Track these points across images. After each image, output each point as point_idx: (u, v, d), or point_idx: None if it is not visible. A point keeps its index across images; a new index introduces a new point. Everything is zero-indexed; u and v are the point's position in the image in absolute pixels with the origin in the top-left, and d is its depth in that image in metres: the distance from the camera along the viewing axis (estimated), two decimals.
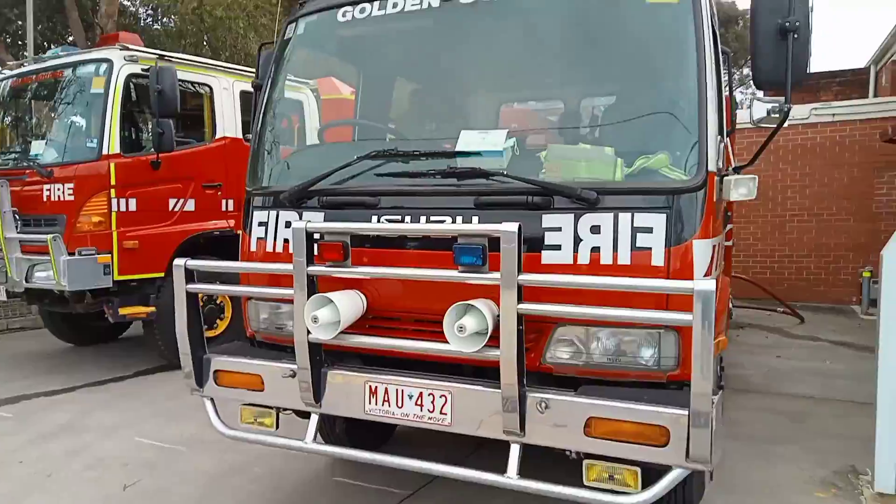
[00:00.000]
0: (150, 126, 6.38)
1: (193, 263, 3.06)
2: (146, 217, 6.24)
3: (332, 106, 8.08)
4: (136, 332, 8.20)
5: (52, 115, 6.54)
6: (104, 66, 6.06)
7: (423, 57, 3.22)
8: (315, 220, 2.95)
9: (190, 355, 3.08)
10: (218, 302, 6.83)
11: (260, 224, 3.21)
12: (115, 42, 6.41)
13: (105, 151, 5.91)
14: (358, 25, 3.19)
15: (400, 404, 2.68)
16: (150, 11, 15.56)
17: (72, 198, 5.87)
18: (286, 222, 3.08)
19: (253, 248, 3.22)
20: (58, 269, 5.62)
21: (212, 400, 3.14)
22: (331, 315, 2.64)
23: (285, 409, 3.05)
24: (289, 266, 2.78)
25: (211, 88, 6.82)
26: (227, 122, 6.92)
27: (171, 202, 6.46)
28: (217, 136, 6.83)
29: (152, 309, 6.25)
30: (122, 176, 6.01)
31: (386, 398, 2.70)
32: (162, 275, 6.32)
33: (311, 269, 2.72)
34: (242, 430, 3.12)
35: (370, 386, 2.73)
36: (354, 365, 2.87)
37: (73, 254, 5.71)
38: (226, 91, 6.93)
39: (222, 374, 3.09)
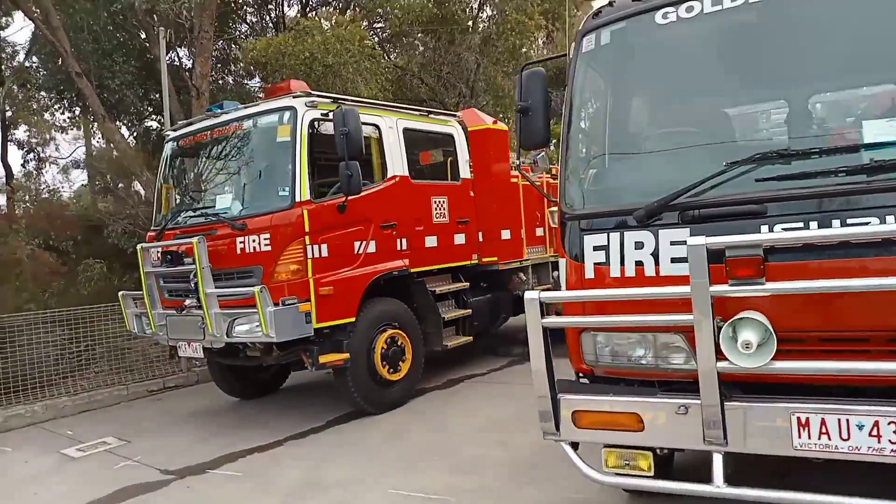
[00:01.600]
0: (327, 170, 6.32)
1: (548, 296, 2.82)
2: (336, 262, 6.14)
3: (479, 137, 8.00)
4: (295, 382, 8.12)
5: (233, 167, 6.57)
6: (288, 114, 6.05)
7: (773, 50, 2.95)
8: (678, 237, 2.69)
9: (549, 397, 2.82)
10: (399, 343, 6.64)
11: (596, 248, 2.96)
12: (286, 91, 6.43)
13: (297, 199, 5.85)
14: (684, 25, 2.96)
15: (845, 436, 2.34)
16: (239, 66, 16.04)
17: (268, 248, 5.82)
18: (635, 243, 2.83)
19: (589, 274, 2.97)
20: (265, 321, 5.52)
21: (572, 445, 2.86)
22: (757, 339, 2.35)
23: (664, 450, 2.75)
24: (681, 289, 2.51)
25: (378, 128, 6.76)
26: (396, 160, 6.83)
27: (356, 245, 6.36)
28: (388, 176, 6.74)
29: (347, 355, 6.10)
30: (315, 222, 5.94)
31: (824, 431, 2.37)
32: (353, 320, 6.19)
33: (718, 289, 2.44)
34: (610, 474, 2.82)
35: (799, 418, 2.40)
36: (764, 396, 2.55)
37: (277, 304, 5.61)
38: (391, 130, 6.86)
39: (583, 415, 2.82)
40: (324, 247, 6.03)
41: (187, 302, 6.15)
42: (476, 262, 7.90)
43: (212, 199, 6.55)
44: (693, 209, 2.70)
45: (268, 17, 17.08)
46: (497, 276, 8.29)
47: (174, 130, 7.40)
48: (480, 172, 7.97)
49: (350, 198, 6.09)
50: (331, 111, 6.15)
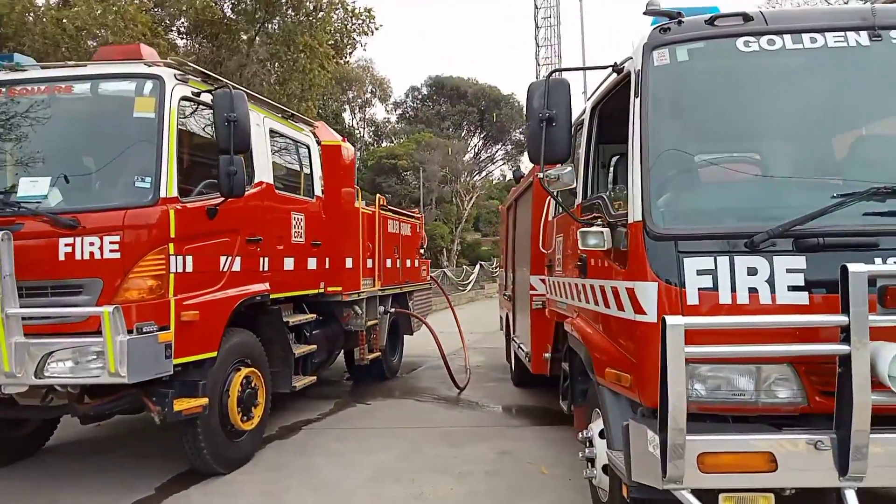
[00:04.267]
0: (190, 164, 5.01)
1: (696, 321, 2.50)
2: (200, 280, 4.83)
3: (330, 153, 7.29)
4: (59, 440, 6.12)
5: (49, 143, 4.77)
6: (151, 84, 4.66)
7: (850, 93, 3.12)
8: (795, 264, 2.65)
9: (682, 442, 2.46)
10: (253, 385, 5.46)
11: (701, 272, 2.75)
12: (136, 56, 4.99)
13: (163, 194, 4.48)
14: (769, 56, 3.00)
15: None
16: None
17: (116, 255, 4.31)
18: (748, 269, 2.71)
19: (692, 300, 2.73)
20: (114, 355, 4.01)
21: (692, 492, 2.53)
22: None
23: (791, 491, 2.59)
24: (835, 318, 2.43)
25: None
26: (262, 164, 5.75)
27: (222, 260, 5.11)
28: (255, 181, 5.62)
29: (206, 401, 4.77)
30: (182, 226, 4.61)
31: None
32: (214, 354, 4.91)
33: (878, 318, 2.42)
34: None
35: None
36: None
37: (131, 331, 4.15)
38: (258, 128, 5.78)
39: (710, 458, 2.52)
40: (188, 259, 4.70)
41: None
42: (321, 290, 7.03)
43: (8, 182, 4.68)
44: (808, 237, 2.68)
45: None
46: (334, 308, 7.50)
47: None
48: (330, 192, 7.21)
49: (223, 201, 4.89)
50: (203, 91, 4.96)
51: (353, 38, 17.59)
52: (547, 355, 6.07)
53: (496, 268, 34.08)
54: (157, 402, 4.53)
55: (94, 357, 4.14)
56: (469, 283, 27.01)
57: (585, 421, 4.13)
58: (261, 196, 5.66)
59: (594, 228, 3.30)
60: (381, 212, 8.74)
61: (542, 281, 6.18)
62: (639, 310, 2.90)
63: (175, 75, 4.78)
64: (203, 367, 4.83)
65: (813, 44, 2.99)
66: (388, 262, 8.95)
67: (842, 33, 2.95)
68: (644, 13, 3.32)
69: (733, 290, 2.71)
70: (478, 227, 41.75)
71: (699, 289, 2.74)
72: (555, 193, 3.64)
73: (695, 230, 2.84)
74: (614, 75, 3.63)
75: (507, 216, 9.22)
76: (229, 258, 5.17)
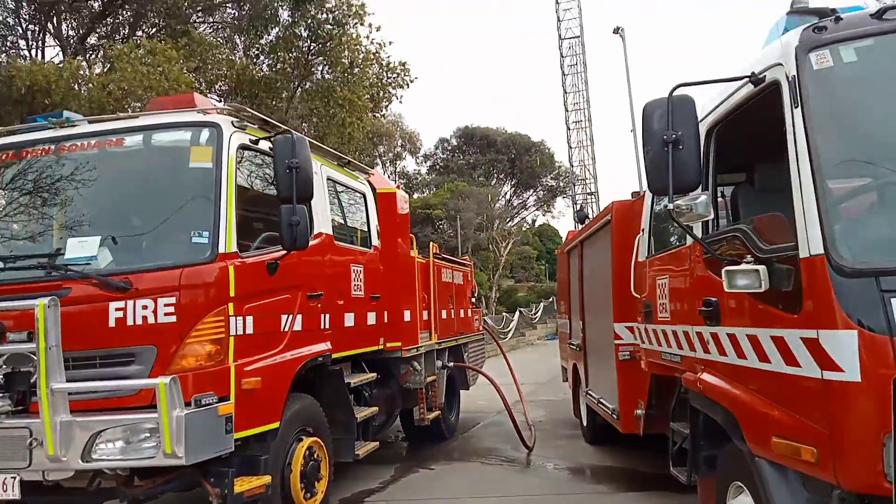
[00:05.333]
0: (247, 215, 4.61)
1: None
2: (261, 342, 4.37)
3: (386, 201, 6.89)
4: None
5: (99, 199, 4.43)
6: (208, 133, 4.30)
7: None
8: None
9: None
10: (316, 456, 4.90)
11: None
12: (189, 104, 4.67)
13: (221, 249, 4.06)
14: None
15: None
16: None
17: (172, 319, 3.87)
18: None
19: None
20: (170, 433, 3.52)
21: None
22: None
23: None
24: None
25: None
26: (321, 214, 5.33)
27: (283, 319, 4.64)
28: (314, 232, 5.18)
29: (269, 479, 4.23)
30: (242, 284, 4.17)
31: None
32: (277, 425, 4.38)
33: None
34: None
35: None
36: None
37: (188, 404, 3.66)
38: (317, 176, 5.36)
39: None
40: (248, 320, 4.24)
41: None
42: (381, 347, 6.51)
43: (55, 244, 4.32)
44: None
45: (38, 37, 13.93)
46: (391, 365, 6.95)
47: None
48: (386, 242, 6.77)
49: (277, 255, 4.46)
50: (261, 138, 4.59)
51: (390, 92, 17.57)
52: (640, 412, 5.42)
53: (535, 314, 33.31)
54: (216, 483, 3.99)
55: (148, 435, 3.66)
56: (510, 330, 26.22)
57: (717, 496, 3.47)
58: (321, 248, 5.22)
59: (744, 266, 2.74)
60: (435, 260, 8.26)
61: (631, 329, 5.58)
62: (829, 365, 2.30)
63: (233, 122, 4.42)
64: (265, 440, 4.31)
65: None
66: (444, 314, 8.42)
67: None
68: (789, 13, 2.84)
69: None
70: (512, 273, 41.11)
71: None
72: (690, 228, 3.10)
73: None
74: (738, 91, 3.14)
75: (569, 260, 8.67)
76: (290, 316, 4.70)
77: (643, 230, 4.95)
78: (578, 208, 8.46)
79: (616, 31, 13.40)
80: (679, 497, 5.18)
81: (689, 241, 3.73)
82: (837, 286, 2.29)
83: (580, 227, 8.42)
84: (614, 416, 5.88)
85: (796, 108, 2.56)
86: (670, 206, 2.90)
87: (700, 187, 3.00)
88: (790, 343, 2.54)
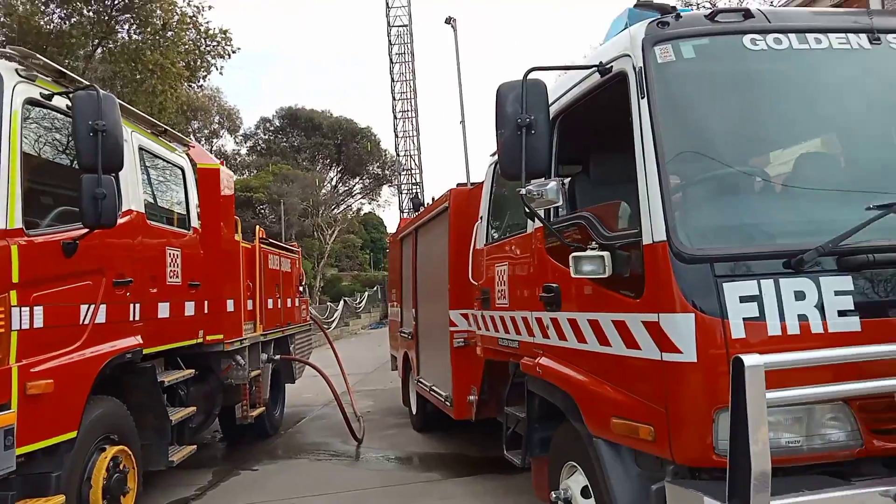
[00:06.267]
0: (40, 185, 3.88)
1: (775, 360, 2.06)
2: (54, 337, 3.68)
3: (207, 178, 6.31)
4: None
5: None
6: None
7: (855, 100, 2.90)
8: (842, 286, 2.35)
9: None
10: (122, 467, 4.31)
11: (744, 299, 2.34)
12: None
13: (2, 224, 3.34)
14: (777, 57, 2.73)
15: None
16: None
17: None
18: (795, 293, 2.35)
19: (738, 333, 2.32)
20: None
21: None
22: None
23: None
24: None
25: None
26: (131, 188, 4.67)
27: (83, 310, 3.96)
28: (123, 209, 4.51)
29: (62, 499, 3.59)
30: (28, 268, 3.47)
31: None
32: (74, 435, 3.74)
33: None
34: None
35: None
36: None
37: None
38: (126, 144, 4.67)
39: None
40: (38, 311, 3.56)
41: None
42: (201, 340, 5.92)
43: None
44: (852, 254, 2.37)
45: None
46: (213, 360, 6.39)
47: None
48: (208, 224, 6.17)
49: (86, 234, 3.81)
50: (55, 93, 3.88)
51: (208, 61, 16.25)
52: (472, 398, 5.50)
53: (359, 303, 33.14)
54: None
55: None
56: (334, 320, 25.78)
57: (551, 475, 3.59)
58: (130, 228, 4.57)
59: (590, 252, 2.81)
60: (262, 246, 7.73)
61: (465, 316, 5.63)
62: (668, 347, 2.42)
63: (17, 70, 3.67)
64: (57, 453, 3.67)
65: (818, 44, 2.76)
66: (270, 303, 7.92)
67: (843, 35, 2.76)
68: (635, 6, 2.95)
69: (781, 318, 2.33)
70: (337, 262, 40.52)
71: (744, 319, 2.32)
72: (541, 213, 3.12)
73: (734, 250, 2.43)
74: (584, 81, 3.22)
75: (402, 247, 8.61)
76: (92, 307, 4.04)
77: (481, 218, 5.00)
78: (413, 195, 8.40)
79: (448, 21, 13.55)
80: (508, 479, 5.36)
81: (530, 228, 3.81)
82: (677, 271, 2.41)
83: (414, 214, 8.40)
84: (447, 403, 5.92)
85: (642, 98, 2.66)
86: (522, 191, 2.89)
87: (546, 175, 3.03)
88: (631, 327, 2.65)
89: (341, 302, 28.93)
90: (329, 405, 9.71)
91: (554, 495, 3.38)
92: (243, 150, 45.28)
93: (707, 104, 2.82)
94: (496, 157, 4.70)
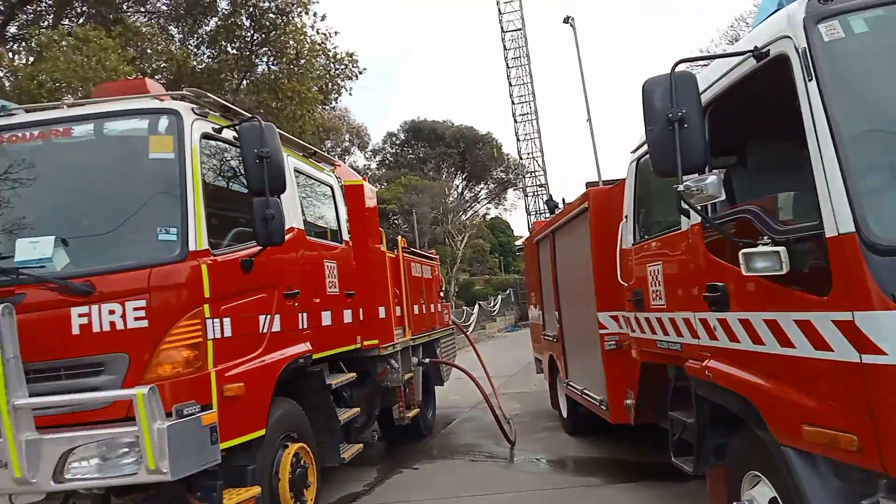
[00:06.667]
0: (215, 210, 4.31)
1: None
2: (240, 345, 4.09)
3: (353, 194, 6.67)
4: None
5: (49, 196, 4.05)
6: (166, 121, 3.98)
7: None
8: None
9: None
10: (303, 463, 4.66)
11: None
12: (142, 90, 4.35)
13: (192, 247, 3.76)
14: None
15: None
16: None
17: (143, 323, 3.56)
18: None
19: None
20: (152, 447, 3.23)
21: None
22: None
23: None
24: None
25: None
26: (292, 208, 5.05)
27: (261, 320, 4.36)
28: (286, 227, 4.88)
29: (258, 490, 3.97)
30: (216, 284, 3.88)
31: None
32: (263, 433, 4.12)
33: None
34: None
35: None
36: None
37: (169, 415, 3.37)
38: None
39: None
40: (226, 322, 3.96)
41: None
42: (359, 345, 6.28)
43: (3, 246, 3.91)
44: None
45: None
46: (370, 364, 6.73)
47: None
48: (357, 236, 6.53)
49: (251, 251, 4.19)
50: (224, 126, 4.29)
51: (338, 83, 17.18)
52: (629, 402, 5.35)
53: (493, 306, 33.37)
54: (203, 498, 3.70)
55: (126, 450, 3.37)
56: (470, 324, 26.18)
57: (730, 485, 3.39)
58: (294, 244, 4.94)
59: (763, 248, 2.65)
60: (404, 254, 8.05)
61: (615, 318, 5.51)
62: (868, 348, 2.22)
63: (193, 109, 4.11)
64: (250, 449, 4.05)
65: None
66: (416, 309, 8.23)
67: None
68: None
69: None
70: (469, 266, 41.12)
71: None
72: (700, 209, 3.00)
73: None
74: (737, 68, 3.06)
75: (538, 251, 8.59)
76: (268, 317, 4.43)
77: (626, 217, 4.87)
78: (547, 198, 8.37)
79: (566, 20, 13.37)
80: (674, 487, 5.15)
81: (685, 225, 3.66)
82: (872, 265, 2.21)
83: (548, 216, 8.35)
84: (602, 407, 5.81)
85: (810, 81, 2.48)
86: (679, 187, 2.80)
87: (702, 169, 2.91)
88: (819, 326, 2.46)
89: (476, 306, 29.30)
90: (477, 407, 9.89)
91: None
92: (373, 165, 47.31)
93: (886, 81, 2.56)
94: (638, 153, 4.59)
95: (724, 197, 2.84)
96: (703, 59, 3.09)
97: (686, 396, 4.00)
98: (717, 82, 3.27)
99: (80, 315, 3.54)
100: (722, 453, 3.47)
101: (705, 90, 3.33)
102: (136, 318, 3.55)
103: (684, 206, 2.93)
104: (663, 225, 4.18)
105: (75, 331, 3.53)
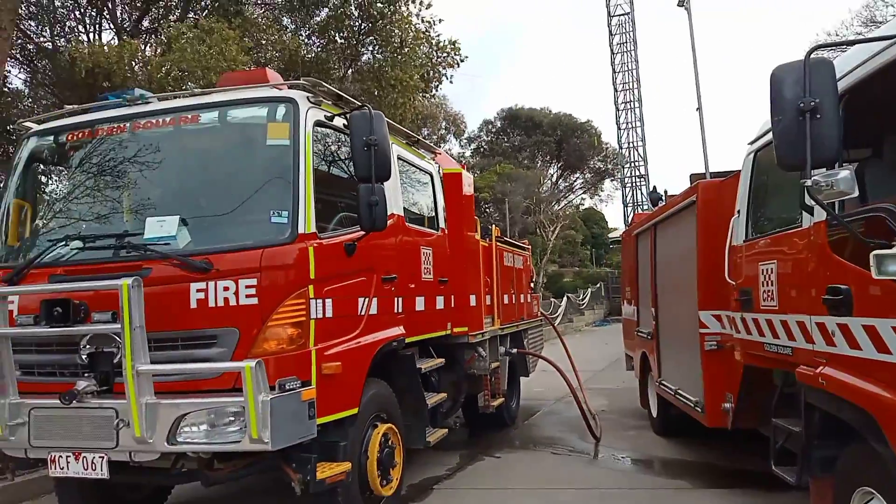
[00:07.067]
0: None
1: None
2: (339, 326, 4.25)
3: (451, 182, 6.70)
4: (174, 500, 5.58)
5: (175, 178, 4.38)
6: (283, 109, 4.17)
7: None
8: None
9: None
10: (391, 443, 4.78)
11: None
12: (262, 80, 4.56)
13: (301, 230, 3.93)
14: None
15: None
16: None
17: (254, 301, 3.77)
18: None
19: None
20: (256, 417, 3.43)
21: None
22: None
23: None
24: None
25: None
26: (393, 195, 5.15)
27: (360, 303, 4.52)
28: (388, 213, 5.00)
29: (349, 466, 4.13)
30: (321, 266, 4.04)
31: None
32: (356, 411, 4.27)
33: None
34: None
35: None
36: None
37: (272, 388, 3.55)
38: None
39: None
40: (328, 303, 4.12)
41: (80, 385, 3.73)
42: (449, 332, 6.35)
43: (132, 224, 4.25)
44: None
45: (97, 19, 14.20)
46: (458, 351, 6.80)
47: (39, 123, 4.94)
48: (453, 224, 6.58)
49: (353, 236, 4.32)
50: (336, 115, 4.43)
51: (440, 71, 17.27)
52: (728, 405, 5.12)
53: (582, 300, 32.77)
54: (299, 469, 3.91)
55: (232, 419, 3.59)
56: (557, 316, 25.85)
57: (837, 499, 3.20)
58: (393, 230, 5.05)
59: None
60: (497, 244, 8.04)
61: (718, 318, 5.27)
62: None
63: (308, 98, 4.28)
64: (343, 426, 4.21)
65: None
66: (506, 299, 8.21)
67: None
68: None
69: None
70: (559, 258, 40.54)
71: None
72: (832, 206, 2.81)
73: None
74: (882, 53, 2.81)
75: (637, 244, 8.33)
76: (367, 300, 4.58)
77: (738, 212, 4.63)
78: (652, 189, 8.08)
79: (681, 3, 12.75)
80: (771, 496, 4.90)
81: (806, 222, 3.43)
82: None
83: (651, 209, 8.07)
84: (697, 409, 5.59)
85: None
86: (808, 182, 2.62)
87: (834, 164, 2.71)
88: None
89: (564, 298, 28.89)
90: (562, 401, 9.79)
91: None
92: (468, 153, 47.45)
93: None
94: (757, 144, 4.34)
95: (856, 194, 2.64)
96: (843, 44, 2.88)
97: (792, 403, 3.79)
98: (857, 69, 3.02)
99: (198, 290, 3.79)
100: (830, 465, 3.26)
101: (841, 78, 3.09)
102: (248, 296, 3.76)
103: (809, 202, 2.75)
104: (780, 221, 3.95)
105: (193, 305, 3.79)
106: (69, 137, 4.66)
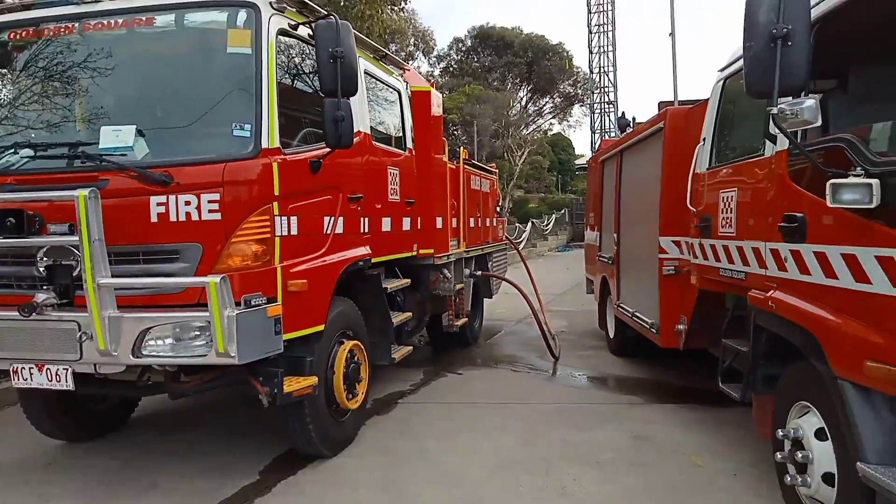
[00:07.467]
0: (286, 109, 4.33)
1: None
2: (304, 244, 4.23)
3: (420, 100, 6.55)
4: (141, 413, 5.67)
5: (128, 85, 4.17)
6: (245, 15, 3.94)
7: None
8: None
9: None
10: (356, 359, 4.89)
11: None
12: None
13: (265, 144, 3.83)
14: None
15: None
16: None
17: (216, 216, 3.69)
18: None
19: None
20: (222, 332, 3.44)
21: None
22: None
23: None
24: None
25: None
26: (360, 110, 5.04)
27: (325, 221, 4.48)
28: (354, 130, 4.89)
29: (315, 380, 4.22)
30: (286, 182, 3.97)
31: None
32: (322, 328, 4.33)
33: None
34: None
35: None
36: None
37: (238, 304, 3.56)
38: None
39: None
40: (293, 220, 4.08)
41: (40, 298, 3.68)
42: (415, 253, 6.40)
43: (87, 133, 4.08)
44: None
45: None
46: (423, 272, 6.88)
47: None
48: (420, 145, 6.50)
49: (319, 151, 4.24)
50: (300, 23, 4.24)
51: None
52: (681, 327, 5.35)
53: (546, 225, 33.18)
54: (265, 383, 3.96)
55: (198, 333, 3.59)
56: (521, 241, 26.19)
57: (777, 414, 3.43)
58: (360, 148, 4.96)
59: (854, 180, 2.52)
60: (465, 167, 8.00)
61: (677, 243, 5.41)
62: None
63: (271, 3, 4.05)
64: (309, 343, 4.26)
65: None
66: (472, 222, 8.26)
67: None
68: None
69: None
70: (525, 183, 40.63)
71: None
72: (797, 134, 2.85)
73: None
74: None
75: (603, 170, 8.38)
76: (332, 219, 4.54)
77: (704, 139, 4.67)
78: (620, 115, 7.98)
79: None
80: (717, 411, 5.23)
81: (769, 151, 3.49)
82: None
83: (618, 135, 8.07)
84: (653, 331, 5.82)
85: None
86: (773, 110, 2.65)
87: (800, 92, 2.74)
88: None
89: (529, 223, 29.19)
90: (523, 322, 10.07)
91: (781, 433, 3.24)
92: (437, 72, 46.24)
93: None
94: (727, 72, 4.33)
95: (819, 123, 2.68)
96: None
97: (742, 326, 3.98)
98: None
99: (158, 204, 3.69)
100: (772, 383, 3.48)
101: (815, 5, 3.07)
102: (210, 211, 3.68)
103: (773, 130, 2.78)
104: (743, 150, 4.00)
105: (153, 219, 3.69)
106: (10, 36, 4.35)
